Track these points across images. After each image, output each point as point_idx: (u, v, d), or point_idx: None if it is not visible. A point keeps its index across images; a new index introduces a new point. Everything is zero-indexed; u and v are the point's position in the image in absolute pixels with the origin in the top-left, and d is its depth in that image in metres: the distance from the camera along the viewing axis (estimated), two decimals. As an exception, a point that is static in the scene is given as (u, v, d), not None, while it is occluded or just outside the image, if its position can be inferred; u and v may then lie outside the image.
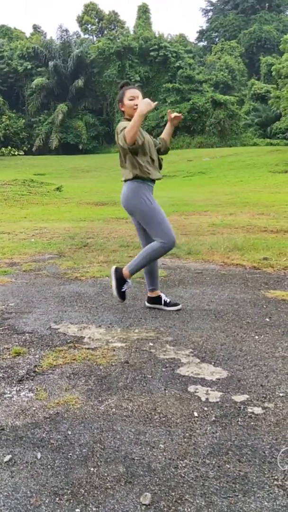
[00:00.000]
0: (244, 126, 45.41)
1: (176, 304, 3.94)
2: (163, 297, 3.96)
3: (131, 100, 3.61)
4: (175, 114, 3.90)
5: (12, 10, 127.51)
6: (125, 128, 3.45)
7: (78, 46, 49.05)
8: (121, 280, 3.75)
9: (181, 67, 45.59)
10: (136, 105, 3.54)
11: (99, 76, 46.96)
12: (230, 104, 43.35)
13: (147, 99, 3.41)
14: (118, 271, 3.77)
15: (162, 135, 4.00)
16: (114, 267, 3.83)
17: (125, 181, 3.70)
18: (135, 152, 3.52)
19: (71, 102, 46.35)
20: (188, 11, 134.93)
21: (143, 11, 53.56)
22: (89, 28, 59.46)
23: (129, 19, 68.34)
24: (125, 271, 3.75)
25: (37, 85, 45.43)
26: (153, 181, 3.70)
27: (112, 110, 47.11)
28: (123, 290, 3.78)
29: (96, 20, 59.35)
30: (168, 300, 3.95)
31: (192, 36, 75.40)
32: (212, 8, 71.23)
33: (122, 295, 3.81)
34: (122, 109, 3.70)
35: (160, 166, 3.82)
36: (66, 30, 49.11)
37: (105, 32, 57.27)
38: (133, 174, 3.60)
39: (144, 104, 3.37)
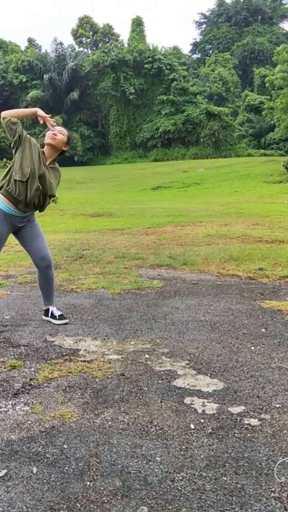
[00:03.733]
0: (238, 137, 45.71)
1: (63, 318, 3.97)
2: (51, 310, 4.03)
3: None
4: None
5: (6, 24, 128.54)
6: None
7: (73, 59, 49.30)
8: None
9: (175, 79, 45.90)
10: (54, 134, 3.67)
11: (94, 88, 47.22)
12: (224, 116, 43.65)
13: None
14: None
15: None
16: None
17: None
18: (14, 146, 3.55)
19: (66, 114, 46.51)
20: (181, 24, 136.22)
21: (137, 24, 54.00)
22: (84, 41, 59.79)
23: (123, 32, 69.71)
24: None
25: (32, 98, 45.61)
26: (16, 203, 3.63)
27: (107, 122, 47.33)
28: None
29: (91, 33, 59.71)
30: (57, 314, 3.99)
31: (186, 49, 76.01)
32: (205, 20, 71.81)
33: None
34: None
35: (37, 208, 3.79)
36: (61, 43, 49.33)
37: (100, 45, 57.56)
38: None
39: (42, 112, 3.62)
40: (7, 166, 3.66)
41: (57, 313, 4.00)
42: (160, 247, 7.60)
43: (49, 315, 4.00)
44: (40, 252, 3.85)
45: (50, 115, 3.70)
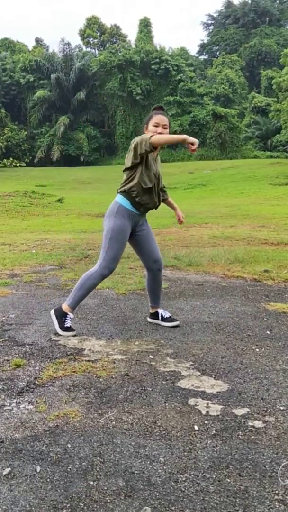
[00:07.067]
0: (244, 139, 45.74)
1: (173, 320, 3.86)
2: (161, 312, 3.91)
3: (155, 126, 3.51)
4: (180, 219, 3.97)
5: (14, 24, 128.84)
6: (152, 135, 3.38)
7: (80, 59, 49.43)
8: (62, 316, 3.62)
9: (182, 80, 45.93)
10: (159, 133, 3.48)
11: (101, 88, 47.31)
12: (230, 117, 43.66)
13: (196, 140, 3.27)
14: (57, 310, 3.66)
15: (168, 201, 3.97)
16: (52, 310, 3.75)
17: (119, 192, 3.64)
18: (141, 158, 3.45)
19: (72, 114, 46.65)
20: (189, 25, 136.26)
21: (145, 25, 54.07)
22: (91, 42, 59.95)
23: (131, 33, 69.04)
24: (65, 306, 3.63)
25: (39, 98, 45.77)
26: (139, 206, 3.59)
27: (114, 123, 47.40)
28: (67, 325, 3.61)
29: (98, 33, 59.87)
30: (166, 316, 3.88)
31: (193, 50, 75.90)
32: (213, 22, 71.90)
33: (69, 329, 3.61)
34: (146, 131, 3.60)
35: (159, 201, 3.72)
36: (68, 44, 49.49)
37: (107, 45, 57.69)
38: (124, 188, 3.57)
39: (192, 139, 3.24)
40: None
41: (166, 314, 3.90)
42: (165, 248, 7.59)
43: (159, 317, 3.88)
44: (153, 255, 3.78)
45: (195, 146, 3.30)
